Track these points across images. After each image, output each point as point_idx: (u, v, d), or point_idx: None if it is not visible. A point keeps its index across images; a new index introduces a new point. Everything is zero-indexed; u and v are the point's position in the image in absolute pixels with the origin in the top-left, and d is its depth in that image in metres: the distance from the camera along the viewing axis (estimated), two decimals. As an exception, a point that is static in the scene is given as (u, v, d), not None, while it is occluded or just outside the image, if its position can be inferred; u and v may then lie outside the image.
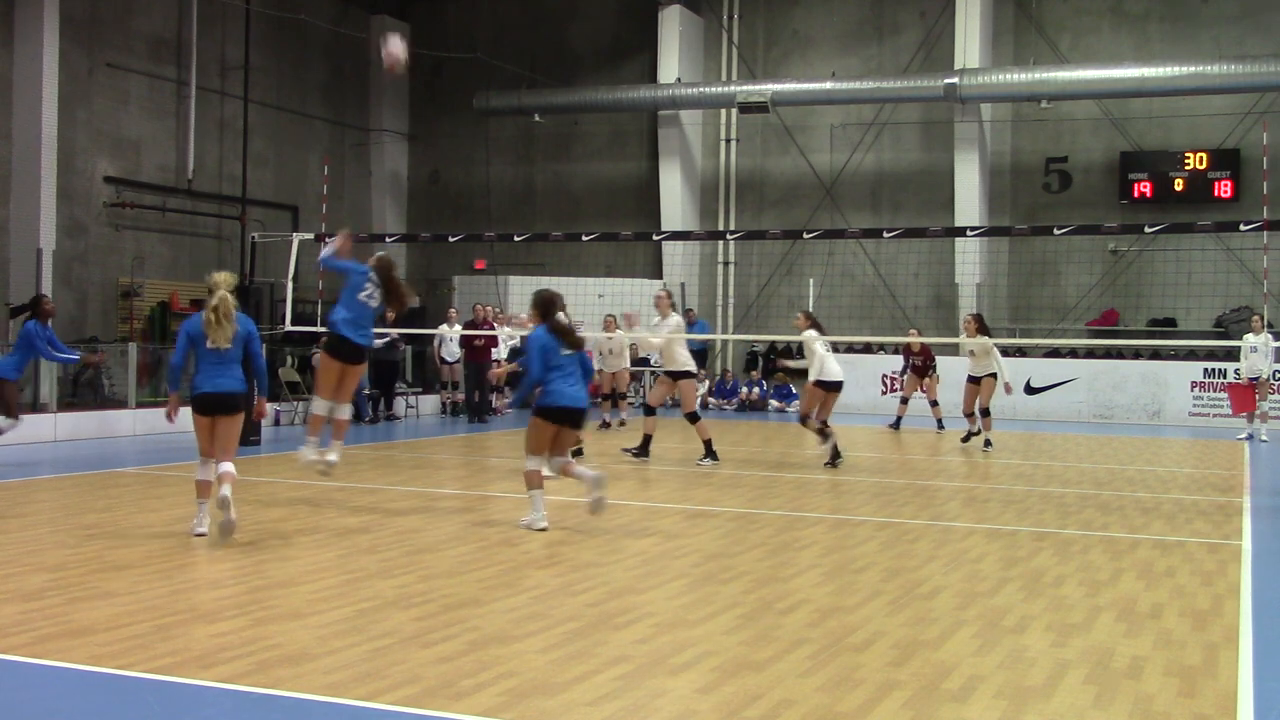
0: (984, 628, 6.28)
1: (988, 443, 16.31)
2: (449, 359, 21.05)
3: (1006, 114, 24.04)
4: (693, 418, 13.94)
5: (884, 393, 22.72)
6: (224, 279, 8.79)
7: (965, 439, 16.93)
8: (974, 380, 16.63)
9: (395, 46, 11.23)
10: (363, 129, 27.37)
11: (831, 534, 9.13)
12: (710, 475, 12.83)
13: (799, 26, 25.55)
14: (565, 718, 4.76)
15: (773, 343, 24.54)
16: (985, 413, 16.51)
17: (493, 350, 19.90)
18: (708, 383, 24.47)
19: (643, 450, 14.01)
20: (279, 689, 5.04)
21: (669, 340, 13.92)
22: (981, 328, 16.70)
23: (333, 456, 9.98)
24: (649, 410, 14.46)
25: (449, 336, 20.35)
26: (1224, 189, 22.24)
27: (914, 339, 19.28)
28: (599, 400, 18.31)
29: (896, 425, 19.02)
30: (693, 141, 26.11)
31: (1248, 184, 21.84)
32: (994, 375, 16.54)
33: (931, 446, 16.77)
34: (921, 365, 19.17)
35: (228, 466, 8.51)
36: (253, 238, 16.67)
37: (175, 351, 8.88)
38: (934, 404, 19.24)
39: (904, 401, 19.22)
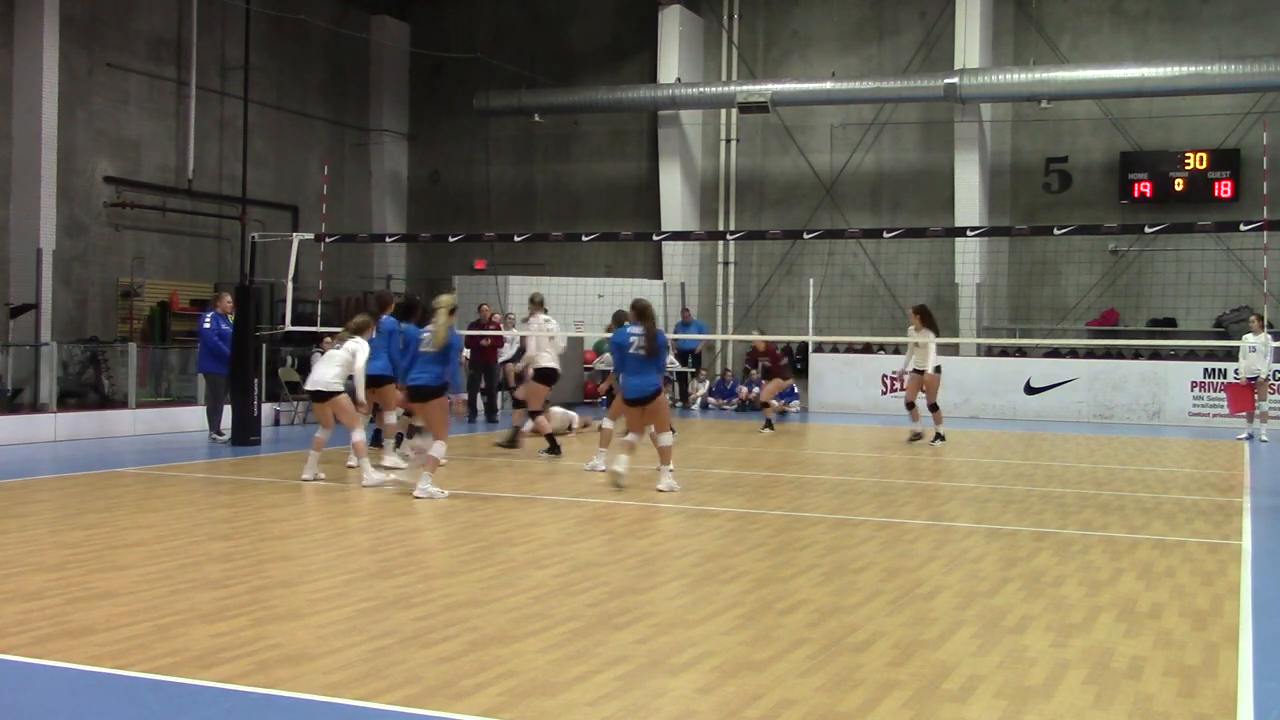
0: (984, 628, 6.28)
1: (939, 436, 16.37)
2: None
3: (1006, 114, 24.04)
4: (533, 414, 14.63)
5: (884, 393, 22.74)
6: (446, 300, 11.00)
7: (911, 439, 16.73)
8: (919, 372, 16.67)
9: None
10: (363, 129, 27.38)
11: (831, 534, 9.13)
12: (709, 475, 12.83)
13: (799, 26, 25.56)
14: (565, 718, 4.76)
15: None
16: (934, 408, 16.60)
17: (499, 350, 19.81)
18: (707, 383, 24.49)
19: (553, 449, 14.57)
20: (279, 689, 5.05)
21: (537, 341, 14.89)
22: (926, 320, 16.62)
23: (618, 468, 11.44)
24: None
25: None
26: (1224, 189, 22.24)
27: (757, 339, 18.97)
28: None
29: (769, 425, 18.48)
30: (693, 141, 26.11)
31: (1248, 184, 21.84)
32: (939, 369, 16.65)
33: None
34: (772, 367, 18.70)
35: (435, 449, 10.75)
36: (253, 238, 16.63)
37: (405, 354, 11.34)
38: (764, 405, 18.72)
39: (764, 405, 18.68)
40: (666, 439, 11.44)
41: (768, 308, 25.37)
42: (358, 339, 11.84)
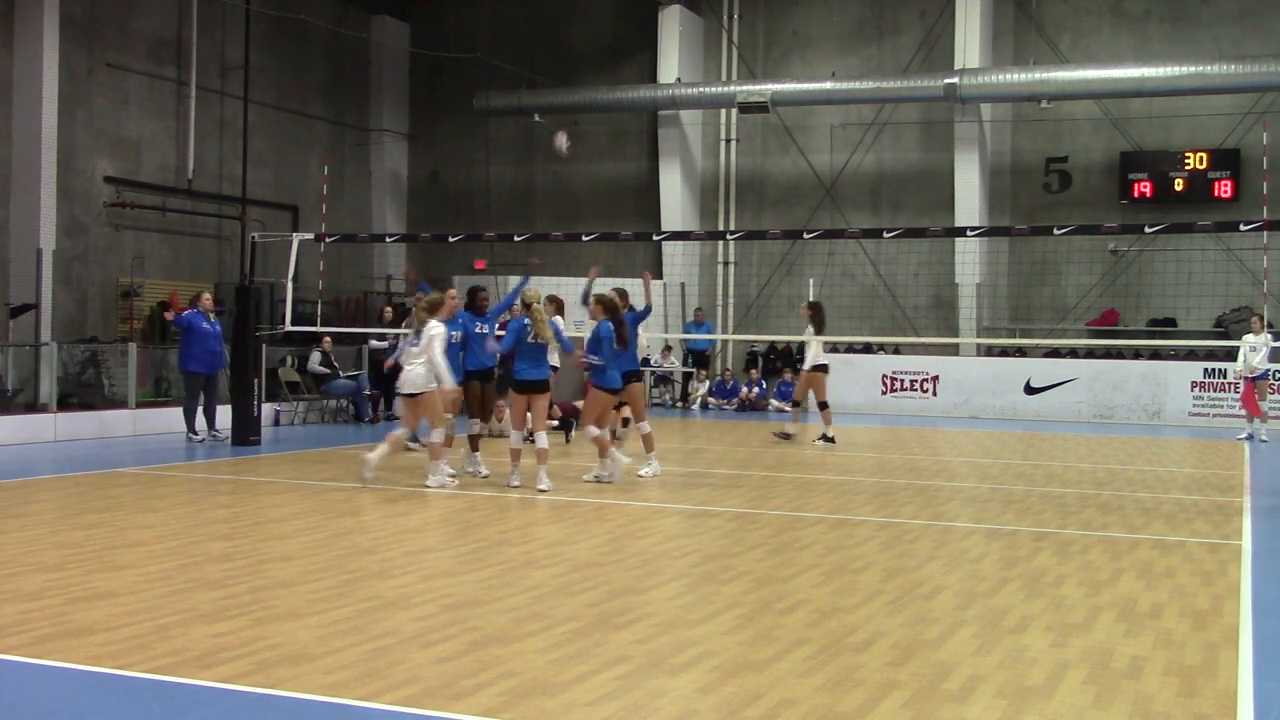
0: (984, 628, 6.28)
1: (825, 437, 16.08)
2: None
3: (1006, 114, 24.04)
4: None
5: (884, 393, 22.74)
6: (535, 294, 11.37)
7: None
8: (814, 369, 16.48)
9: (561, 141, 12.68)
10: (363, 129, 27.37)
11: (831, 534, 9.13)
12: (709, 475, 12.84)
13: (799, 26, 25.55)
14: (565, 718, 4.76)
15: (773, 343, 24.55)
16: (823, 405, 16.44)
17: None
18: (708, 383, 24.49)
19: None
20: (279, 689, 5.05)
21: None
22: (814, 316, 16.36)
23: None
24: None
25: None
26: (1224, 189, 22.24)
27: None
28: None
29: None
30: (693, 141, 26.10)
31: (1248, 184, 21.84)
32: (820, 368, 16.30)
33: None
34: None
35: (543, 441, 11.21)
36: (253, 238, 16.63)
37: (506, 343, 11.46)
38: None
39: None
40: (646, 426, 12.25)
41: (768, 308, 25.37)
42: (433, 323, 11.32)
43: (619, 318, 11.82)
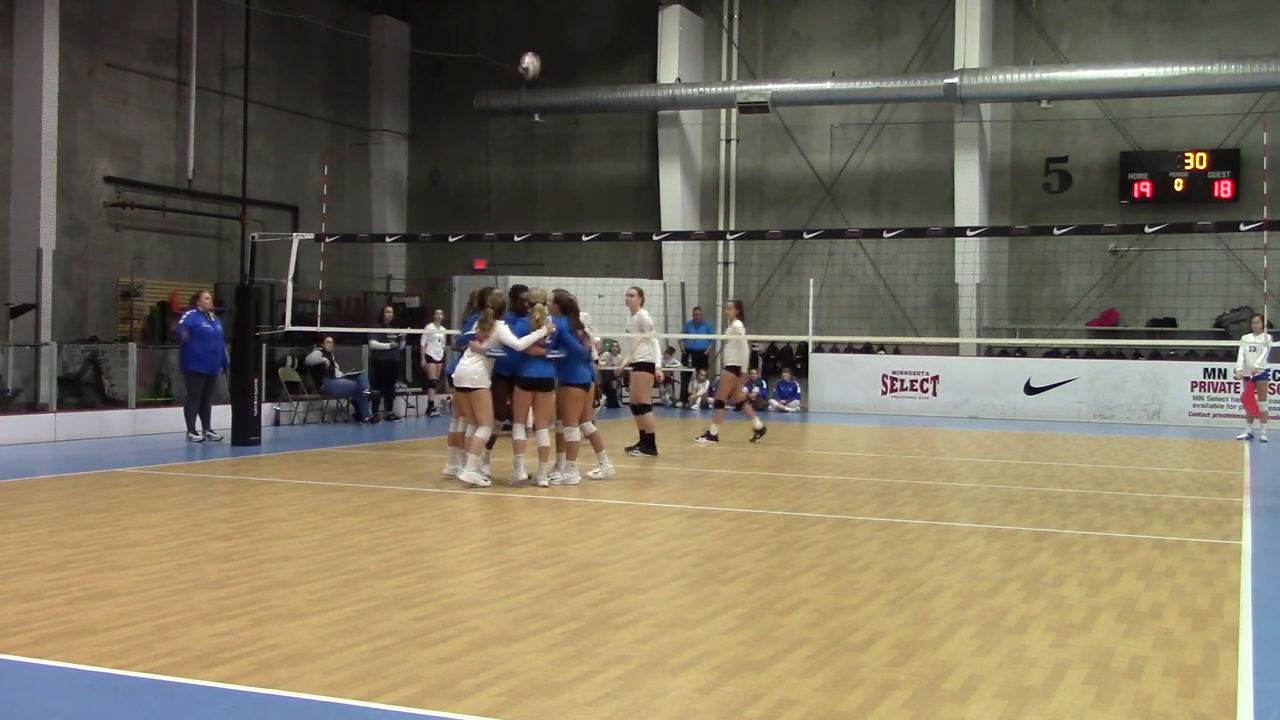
0: (984, 628, 6.28)
1: (709, 435, 16.22)
2: (435, 357, 21.06)
3: (1006, 114, 24.04)
4: (639, 409, 14.79)
5: (884, 393, 22.74)
6: (539, 294, 11.51)
7: (753, 437, 16.47)
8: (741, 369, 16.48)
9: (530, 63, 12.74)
10: (363, 129, 27.38)
11: (831, 534, 9.13)
12: (709, 475, 12.84)
13: (799, 26, 25.56)
14: (565, 718, 4.76)
15: (773, 342, 24.54)
16: (719, 405, 16.59)
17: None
18: (707, 383, 24.48)
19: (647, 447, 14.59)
20: (279, 689, 5.05)
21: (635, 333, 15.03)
22: (741, 315, 16.42)
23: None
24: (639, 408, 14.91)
25: (436, 336, 20.43)
26: (1224, 189, 22.24)
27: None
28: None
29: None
30: (693, 141, 26.11)
31: (1248, 184, 21.84)
32: (734, 369, 16.24)
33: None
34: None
35: (546, 439, 11.47)
36: (253, 238, 16.64)
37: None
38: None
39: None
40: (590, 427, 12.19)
41: (768, 308, 25.36)
42: (500, 325, 11.33)
43: (577, 317, 11.98)
